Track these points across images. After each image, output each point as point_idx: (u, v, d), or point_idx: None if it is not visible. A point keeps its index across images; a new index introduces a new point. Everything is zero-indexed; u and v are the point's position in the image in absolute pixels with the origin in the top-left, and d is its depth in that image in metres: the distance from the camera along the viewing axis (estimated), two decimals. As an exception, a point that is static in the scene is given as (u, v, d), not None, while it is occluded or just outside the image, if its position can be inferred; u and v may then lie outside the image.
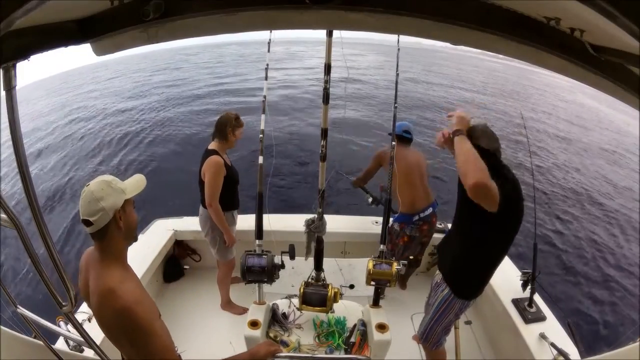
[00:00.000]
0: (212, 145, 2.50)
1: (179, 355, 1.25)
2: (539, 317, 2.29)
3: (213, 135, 2.51)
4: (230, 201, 2.59)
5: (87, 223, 1.10)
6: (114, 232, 1.14)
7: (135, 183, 1.24)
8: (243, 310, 2.80)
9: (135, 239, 1.27)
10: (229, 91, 16.43)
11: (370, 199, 3.18)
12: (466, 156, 1.48)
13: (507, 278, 2.54)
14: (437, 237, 3.04)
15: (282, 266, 1.95)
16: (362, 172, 3.09)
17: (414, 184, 2.78)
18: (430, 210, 2.80)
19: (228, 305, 2.86)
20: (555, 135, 11.95)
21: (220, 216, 2.46)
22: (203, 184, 2.44)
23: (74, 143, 10.15)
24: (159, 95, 16.71)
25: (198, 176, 2.49)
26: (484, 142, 1.59)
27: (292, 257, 1.94)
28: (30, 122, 13.10)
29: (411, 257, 2.94)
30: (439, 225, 3.07)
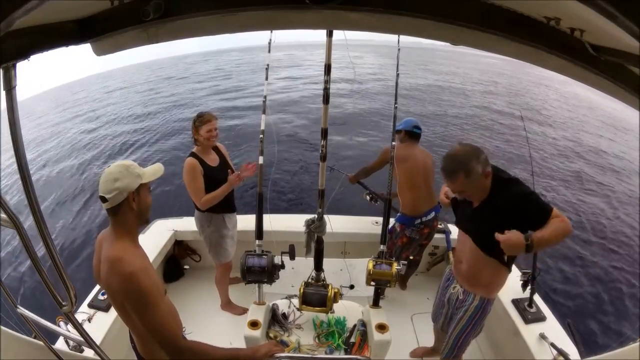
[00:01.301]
0: (194, 147, 2.46)
1: (184, 336, 1.31)
2: (539, 317, 2.29)
3: None
4: (218, 203, 2.42)
5: (103, 199, 1.21)
6: (127, 211, 1.25)
7: (154, 170, 1.34)
8: (243, 311, 2.80)
9: (148, 222, 1.39)
10: (230, 97, 16.37)
11: (368, 197, 3.09)
12: (557, 237, 1.51)
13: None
14: (437, 237, 3.04)
15: (282, 266, 1.95)
16: (365, 165, 2.96)
17: (417, 186, 2.71)
18: (432, 214, 2.75)
19: (228, 305, 2.85)
20: (552, 126, 11.93)
21: (214, 199, 2.36)
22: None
23: (79, 149, 10.21)
24: (163, 99, 16.73)
25: None
26: (485, 159, 1.59)
27: (292, 257, 1.94)
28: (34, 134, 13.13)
29: (411, 258, 2.93)
30: (439, 226, 3.07)
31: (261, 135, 2.22)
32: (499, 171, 1.69)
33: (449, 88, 20.16)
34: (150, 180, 1.30)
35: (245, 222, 2.88)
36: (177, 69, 38.46)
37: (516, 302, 2.40)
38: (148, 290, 1.14)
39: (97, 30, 0.85)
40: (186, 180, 2.36)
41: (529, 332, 2.18)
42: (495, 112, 14.14)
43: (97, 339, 1.94)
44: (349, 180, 3.06)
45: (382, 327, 1.85)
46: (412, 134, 2.76)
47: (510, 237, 1.50)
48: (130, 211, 1.25)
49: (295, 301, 2.07)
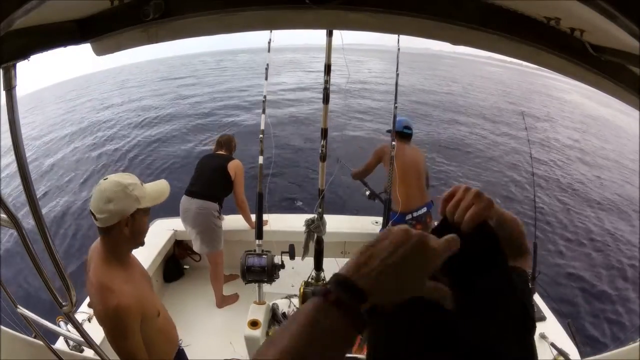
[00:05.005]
0: (226, 152, 2.86)
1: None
2: (539, 317, 2.28)
3: (219, 147, 2.88)
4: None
5: (94, 216, 1.09)
6: (119, 235, 1.12)
7: (156, 193, 1.17)
8: (236, 296, 2.90)
9: (142, 244, 1.24)
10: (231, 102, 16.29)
11: (367, 192, 3.15)
12: None
13: None
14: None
15: (282, 266, 1.95)
16: (362, 165, 3.08)
17: (409, 183, 2.80)
18: (424, 209, 2.83)
19: (223, 301, 2.88)
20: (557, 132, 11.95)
21: (246, 207, 2.87)
22: (223, 179, 2.71)
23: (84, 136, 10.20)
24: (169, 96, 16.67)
25: (220, 171, 2.72)
26: None
27: (292, 257, 1.94)
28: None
29: None
30: (435, 223, 3.08)
31: (261, 135, 2.22)
32: None
33: (453, 93, 20.15)
34: (149, 206, 1.15)
35: (245, 222, 2.89)
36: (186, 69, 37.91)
37: None
38: (125, 326, 1.09)
39: (97, 30, 0.85)
40: (241, 178, 2.79)
41: None
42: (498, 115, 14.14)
43: (97, 339, 1.94)
44: (352, 175, 3.18)
45: None
46: (402, 135, 2.89)
47: None
48: (121, 235, 1.12)
49: (295, 301, 2.07)
